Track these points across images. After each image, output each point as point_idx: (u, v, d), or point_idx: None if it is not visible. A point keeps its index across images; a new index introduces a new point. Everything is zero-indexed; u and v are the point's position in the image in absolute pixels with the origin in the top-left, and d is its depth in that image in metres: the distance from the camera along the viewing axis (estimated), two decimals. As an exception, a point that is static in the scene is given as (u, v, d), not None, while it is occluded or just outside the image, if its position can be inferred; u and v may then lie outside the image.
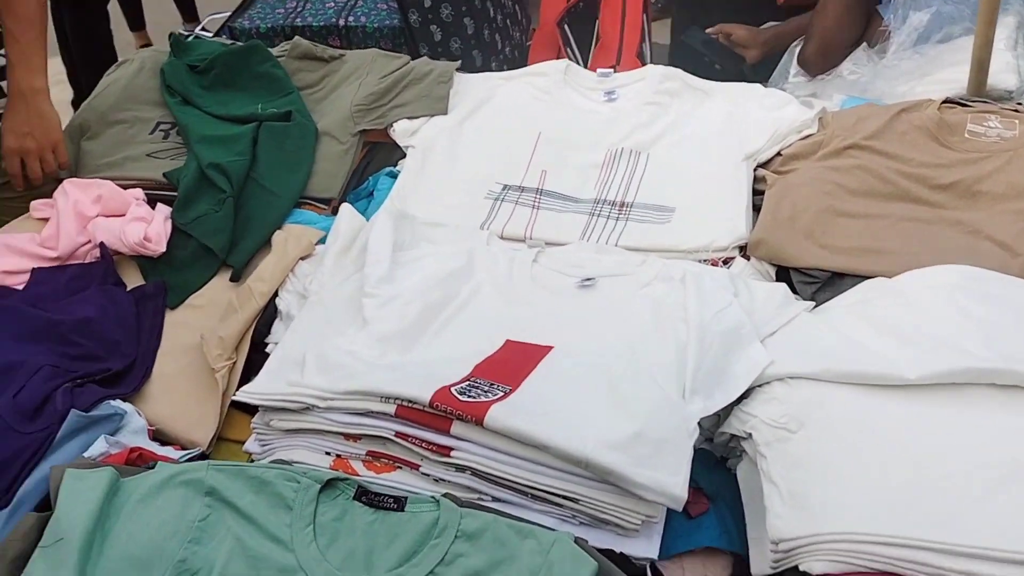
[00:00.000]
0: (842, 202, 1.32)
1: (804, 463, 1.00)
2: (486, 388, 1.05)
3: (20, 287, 1.37)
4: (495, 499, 1.02)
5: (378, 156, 1.64)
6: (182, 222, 1.41)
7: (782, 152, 1.44)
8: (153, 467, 1.02)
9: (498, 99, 1.65)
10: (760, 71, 2.12)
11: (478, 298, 1.23)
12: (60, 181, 1.51)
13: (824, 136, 1.41)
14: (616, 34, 2.21)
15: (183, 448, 1.19)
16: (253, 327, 1.27)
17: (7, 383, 1.11)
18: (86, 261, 1.41)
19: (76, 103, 3.29)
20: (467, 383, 1.06)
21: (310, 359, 1.11)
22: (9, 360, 1.14)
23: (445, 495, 1.00)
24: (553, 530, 0.94)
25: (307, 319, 1.21)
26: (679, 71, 1.62)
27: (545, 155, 1.53)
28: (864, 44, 1.58)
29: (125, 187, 1.48)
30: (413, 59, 1.73)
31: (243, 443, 1.20)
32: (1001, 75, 1.53)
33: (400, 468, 1.06)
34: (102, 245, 1.38)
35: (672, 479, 0.97)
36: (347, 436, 1.08)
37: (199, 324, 1.31)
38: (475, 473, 1.02)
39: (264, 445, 1.13)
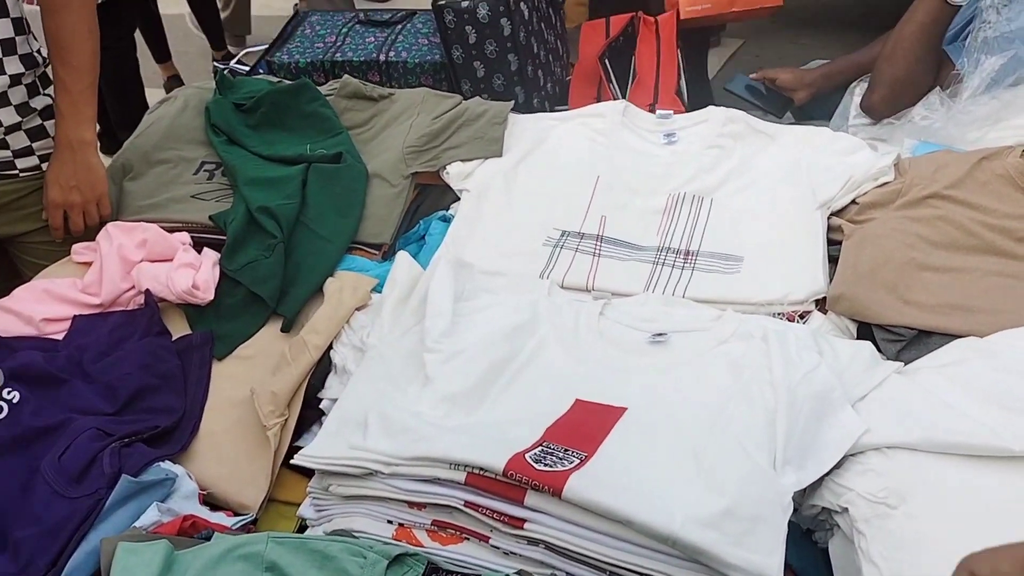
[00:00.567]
0: (925, 255, 1.26)
1: (908, 543, 0.93)
2: (560, 455, 0.99)
3: (60, 334, 1.32)
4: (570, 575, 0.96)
5: (428, 199, 1.59)
6: (231, 268, 1.36)
7: (857, 200, 1.37)
8: (209, 537, 0.96)
9: (553, 141, 1.60)
10: (806, 113, 2.08)
11: (544, 354, 1.18)
12: (103, 224, 1.46)
13: (902, 184, 1.34)
14: (652, 71, 2.18)
15: (233, 512, 1.12)
16: (307, 382, 1.21)
17: (50, 444, 1.05)
18: (129, 308, 1.36)
19: (103, 138, 3.25)
20: (540, 448, 1.00)
21: (373, 420, 1.05)
22: (53, 420, 1.08)
23: (519, 572, 0.93)
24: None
25: (366, 375, 1.15)
26: (742, 113, 1.56)
27: (604, 200, 1.48)
28: (937, 88, 1.52)
29: (170, 230, 1.43)
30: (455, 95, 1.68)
31: (294, 505, 1.14)
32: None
33: (468, 539, 1.00)
34: (147, 292, 1.33)
35: (767, 560, 0.90)
36: (411, 504, 1.02)
37: (248, 376, 1.26)
38: (549, 547, 0.97)
39: (320, 511, 1.07)
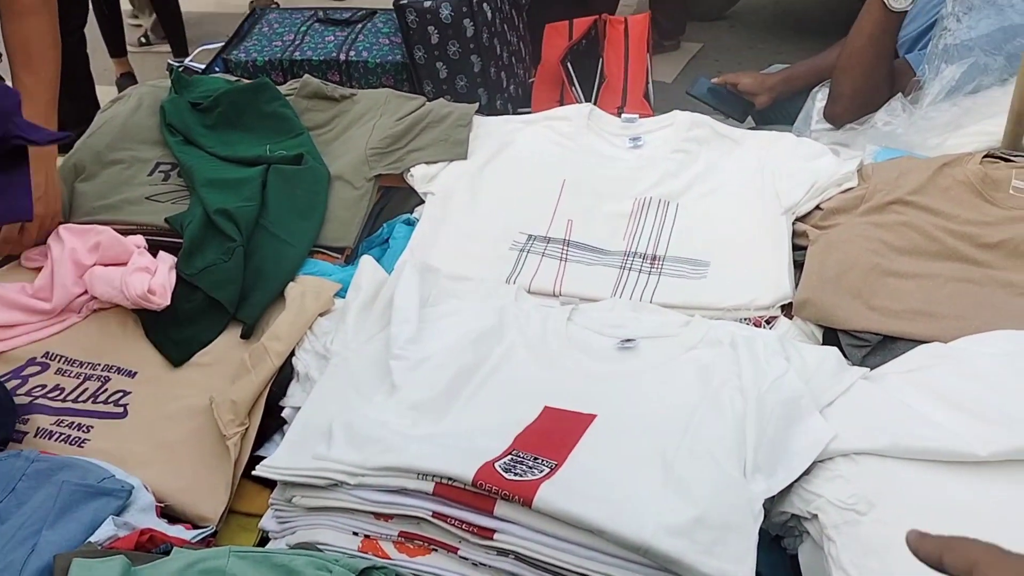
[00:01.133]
0: (889, 261, 1.27)
1: (878, 549, 0.93)
2: (530, 464, 0.98)
3: (9, 341, 1.28)
4: (539, 585, 0.94)
5: (392, 201, 1.56)
6: (188, 273, 1.31)
7: (821, 206, 1.38)
8: (168, 551, 0.92)
9: (519, 144, 1.58)
10: (767, 117, 2.10)
11: (512, 360, 1.16)
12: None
13: (865, 190, 1.35)
14: (620, 74, 2.18)
15: (193, 525, 1.09)
16: (268, 390, 1.18)
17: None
18: (82, 313, 1.31)
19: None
20: (510, 457, 0.99)
21: (338, 430, 1.02)
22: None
23: (490, 584, 0.92)
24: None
25: (331, 383, 1.12)
26: (707, 118, 1.56)
27: (571, 204, 1.47)
28: (899, 94, 1.54)
29: (124, 233, 1.38)
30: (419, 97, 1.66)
31: (256, 516, 1.11)
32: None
33: (436, 551, 0.98)
34: None
35: (738, 568, 0.90)
36: (377, 515, 0.99)
37: (206, 384, 1.22)
38: (519, 558, 0.95)
39: (283, 523, 1.04)
